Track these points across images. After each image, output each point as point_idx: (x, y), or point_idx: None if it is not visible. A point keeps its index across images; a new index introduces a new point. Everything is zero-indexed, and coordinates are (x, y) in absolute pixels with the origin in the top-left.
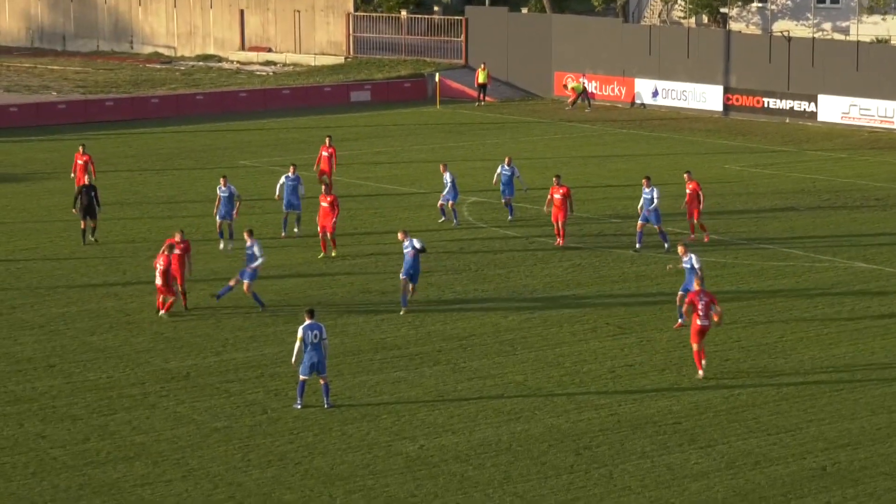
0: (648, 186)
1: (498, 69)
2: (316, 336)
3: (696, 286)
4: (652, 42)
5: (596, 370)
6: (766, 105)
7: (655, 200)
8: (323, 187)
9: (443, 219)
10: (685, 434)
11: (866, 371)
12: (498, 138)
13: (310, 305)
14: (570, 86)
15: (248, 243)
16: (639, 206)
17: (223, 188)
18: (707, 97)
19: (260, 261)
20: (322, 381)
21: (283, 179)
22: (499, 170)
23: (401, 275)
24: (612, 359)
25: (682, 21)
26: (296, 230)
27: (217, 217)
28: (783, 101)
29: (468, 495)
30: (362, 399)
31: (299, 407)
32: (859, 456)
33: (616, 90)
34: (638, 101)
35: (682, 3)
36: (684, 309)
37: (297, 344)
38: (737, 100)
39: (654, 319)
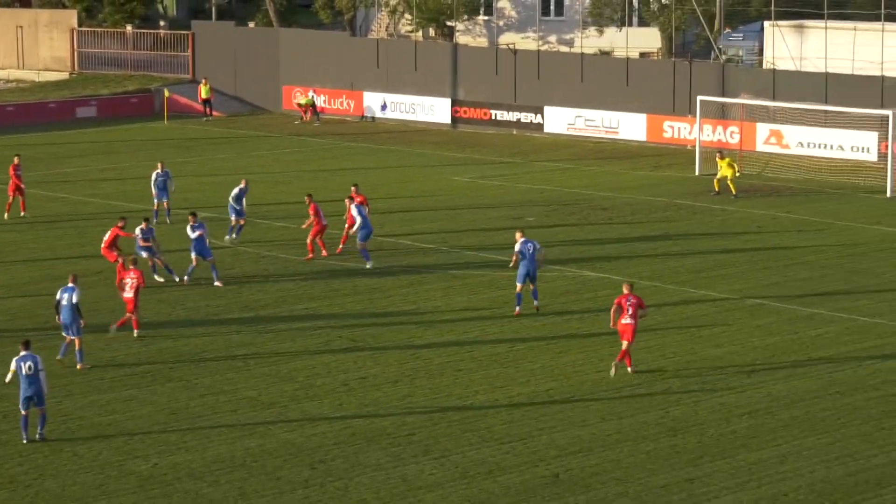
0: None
1: (226, 83)
2: (31, 368)
3: (625, 290)
4: (380, 55)
5: (329, 384)
6: (493, 117)
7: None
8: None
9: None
10: (419, 445)
11: (596, 379)
12: (227, 153)
13: (26, 337)
14: (301, 102)
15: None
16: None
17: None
18: (435, 110)
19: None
20: (40, 412)
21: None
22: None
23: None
24: (345, 372)
25: (410, 35)
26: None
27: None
28: (510, 112)
29: None
30: (93, 418)
31: (25, 441)
32: (590, 462)
33: (345, 104)
34: (367, 115)
35: (410, 17)
36: (612, 311)
37: (9, 376)
38: (465, 112)
39: (387, 332)
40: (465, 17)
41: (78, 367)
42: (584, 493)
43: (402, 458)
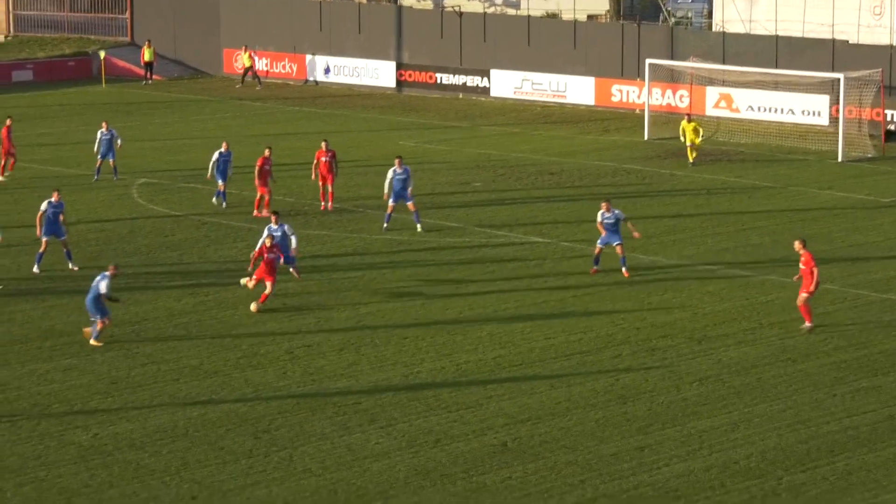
0: (401, 166)
1: (166, 47)
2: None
3: (799, 247)
4: (323, 18)
5: (273, 352)
6: (439, 80)
7: (410, 182)
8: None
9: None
10: (365, 414)
11: (545, 346)
12: (168, 118)
13: None
14: (247, 63)
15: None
16: (386, 185)
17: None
18: (380, 73)
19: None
20: None
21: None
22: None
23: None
24: (290, 340)
25: None
26: None
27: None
28: (456, 76)
29: (144, 483)
30: (31, 388)
31: None
32: (539, 430)
33: (287, 67)
34: (310, 78)
35: None
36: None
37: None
38: (410, 76)
39: (331, 299)
40: None
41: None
42: (532, 462)
43: (348, 427)
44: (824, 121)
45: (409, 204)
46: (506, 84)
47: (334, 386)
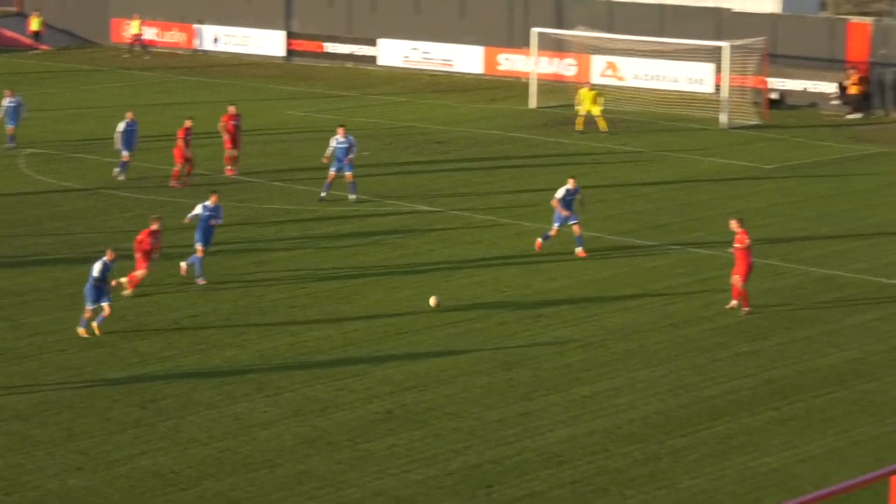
0: (344, 136)
1: (54, 16)
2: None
3: (735, 226)
4: None
5: (160, 322)
6: (327, 50)
7: (353, 151)
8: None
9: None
10: (252, 383)
11: (431, 314)
12: (56, 88)
13: None
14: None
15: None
16: (327, 154)
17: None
18: (268, 43)
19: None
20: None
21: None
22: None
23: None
24: (176, 310)
25: None
26: None
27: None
28: (345, 45)
29: (30, 455)
30: None
31: None
32: (425, 398)
33: (176, 37)
34: (199, 48)
35: None
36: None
37: None
38: (299, 45)
39: (218, 268)
40: None
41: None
42: (418, 429)
43: (235, 396)
44: (709, 89)
45: (348, 174)
46: (394, 53)
47: (221, 355)
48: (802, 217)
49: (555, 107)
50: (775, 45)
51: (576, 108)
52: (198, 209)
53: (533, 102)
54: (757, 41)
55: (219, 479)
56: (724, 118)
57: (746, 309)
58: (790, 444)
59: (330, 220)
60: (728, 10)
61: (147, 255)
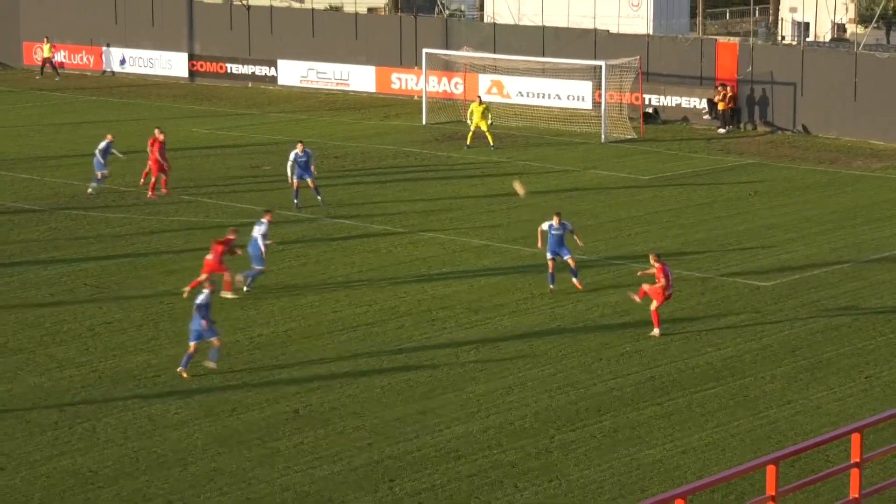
0: (303, 151)
1: None
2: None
3: (655, 261)
4: (118, 11)
5: (76, 329)
6: (229, 70)
7: (312, 162)
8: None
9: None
10: (164, 385)
11: (333, 319)
12: None
13: None
14: (46, 55)
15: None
16: (289, 167)
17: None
18: (173, 64)
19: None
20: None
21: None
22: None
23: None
24: (91, 318)
25: None
26: None
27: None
28: (245, 66)
29: None
30: None
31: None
32: (329, 397)
33: (85, 59)
34: (107, 69)
35: None
36: (658, 283)
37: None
38: (202, 66)
39: (130, 279)
40: None
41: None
42: (322, 427)
43: (148, 398)
44: (588, 105)
45: (310, 181)
46: (292, 73)
47: (134, 360)
48: (679, 224)
49: (445, 123)
50: (649, 63)
51: (467, 120)
52: (259, 229)
53: (424, 119)
54: (632, 60)
55: (135, 477)
56: (603, 132)
57: (657, 331)
58: (672, 437)
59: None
60: (605, 31)
61: (218, 259)
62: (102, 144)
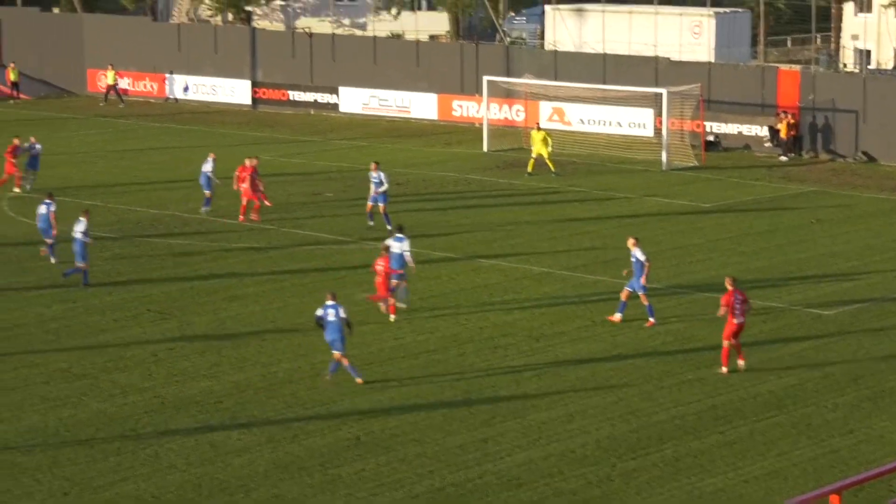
0: (376, 171)
1: (33, 68)
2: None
3: (729, 285)
4: (181, 39)
5: (139, 355)
6: (291, 98)
7: (384, 184)
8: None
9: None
10: (226, 412)
11: (394, 346)
12: (34, 134)
13: None
14: (110, 81)
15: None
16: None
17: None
18: (236, 91)
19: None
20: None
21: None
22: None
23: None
24: (155, 343)
25: (209, 19)
26: None
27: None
28: (307, 93)
29: (17, 481)
30: None
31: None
32: (390, 424)
33: (148, 86)
34: (170, 97)
35: (209, 2)
36: (720, 312)
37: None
38: (264, 93)
39: (193, 304)
40: (263, 1)
41: (358, 381)
42: (384, 454)
43: (211, 424)
44: (649, 132)
45: (381, 205)
46: (354, 100)
47: (197, 386)
48: (740, 252)
49: (506, 150)
50: (710, 90)
51: (530, 147)
52: (398, 246)
53: (485, 146)
54: (693, 87)
55: (197, 503)
56: (664, 160)
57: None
58: (734, 466)
59: (296, 257)
60: (666, 58)
61: (386, 280)
62: (208, 165)
